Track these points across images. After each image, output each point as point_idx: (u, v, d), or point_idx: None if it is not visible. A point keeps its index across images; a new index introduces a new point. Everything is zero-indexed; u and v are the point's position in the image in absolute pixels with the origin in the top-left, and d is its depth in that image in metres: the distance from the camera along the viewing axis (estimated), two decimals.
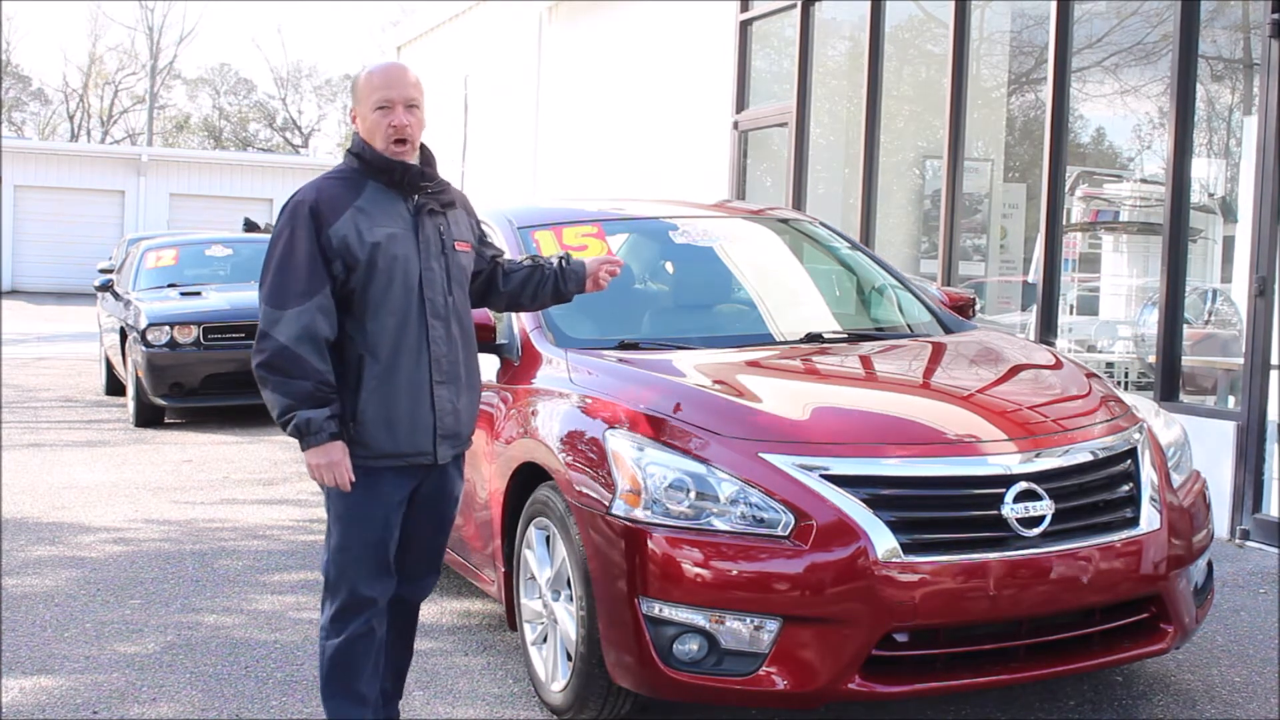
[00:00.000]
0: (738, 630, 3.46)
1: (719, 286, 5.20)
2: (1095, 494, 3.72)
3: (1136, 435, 3.94)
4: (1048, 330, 7.70)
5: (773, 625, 3.43)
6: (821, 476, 3.51)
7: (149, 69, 47.42)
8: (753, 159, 11.19)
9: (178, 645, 4.73)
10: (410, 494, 3.45)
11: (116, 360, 11.26)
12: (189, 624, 4.98)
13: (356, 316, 3.34)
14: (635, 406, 3.81)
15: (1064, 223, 7.91)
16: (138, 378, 10.07)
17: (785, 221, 5.72)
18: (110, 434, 9.84)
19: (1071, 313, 8.42)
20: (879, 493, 3.51)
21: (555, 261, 3.80)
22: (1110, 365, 8.26)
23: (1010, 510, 3.52)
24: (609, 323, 4.64)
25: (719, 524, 3.50)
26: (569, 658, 3.84)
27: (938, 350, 4.62)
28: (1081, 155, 8.91)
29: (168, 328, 9.95)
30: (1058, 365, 4.51)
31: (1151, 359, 7.12)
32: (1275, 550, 6.06)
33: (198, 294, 10.83)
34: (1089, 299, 8.69)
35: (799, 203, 10.14)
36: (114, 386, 11.97)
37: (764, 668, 3.45)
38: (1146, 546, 3.70)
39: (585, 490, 3.71)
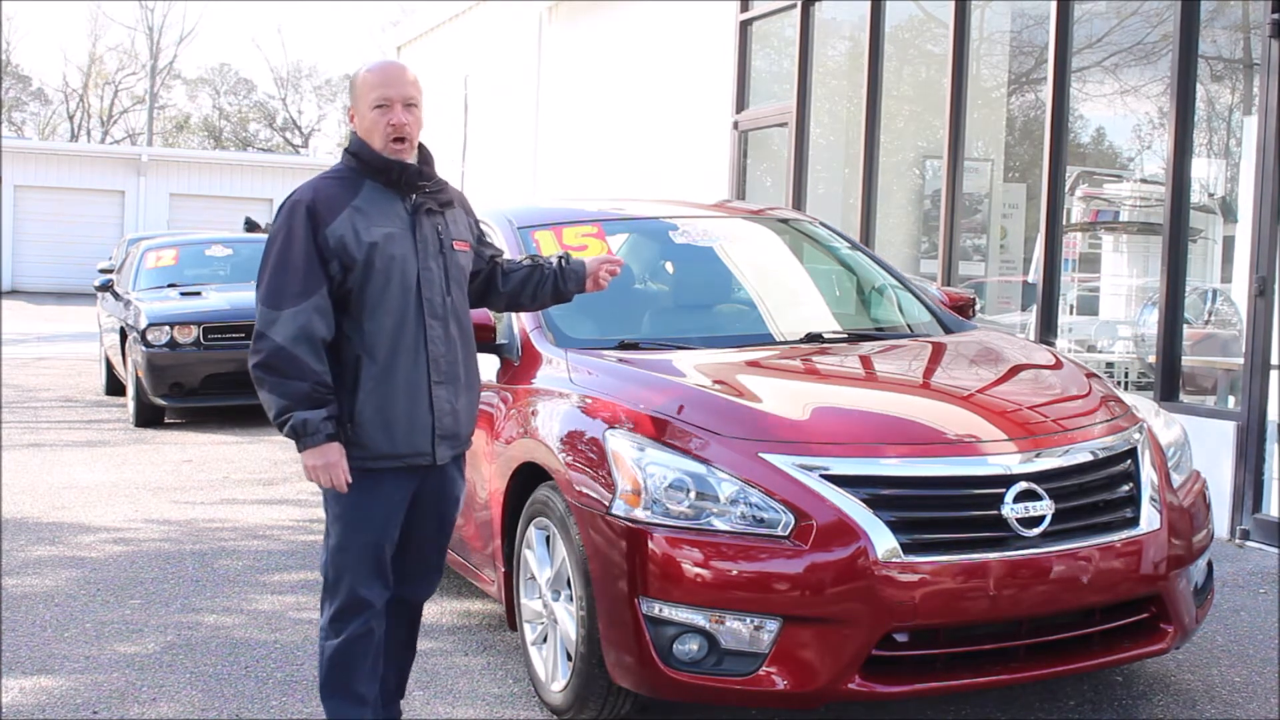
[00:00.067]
0: (738, 630, 3.46)
1: (719, 286, 5.20)
2: (1095, 494, 3.72)
3: (1136, 435, 3.94)
4: (1048, 330, 7.70)
5: (773, 625, 3.43)
6: (821, 476, 3.51)
7: (149, 69, 47.42)
8: (753, 159, 11.19)
9: (178, 645, 4.73)
10: (411, 495, 3.44)
11: (116, 360, 11.26)
12: (189, 624, 4.98)
13: (354, 317, 3.33)
14: (635, 406, 3.81)
15: (1064, 223, 7.91)
16: (138, 378, 10.07)
17: (785, 221, 5.72)
18: (110, 434, 9.84)
19: (1071, 313, 8.42)
20: (879, 493, 3.51)
21: (555, 261, 3.79)
22: (1110, 365, 8.26)
23: (1010, 510, 3.52)
24: (609, 323, 4.64)
25: (719, 524, 3.50)
26: (569, 658, 3.84)
27: (938, 350, 4.62)
28: (1081, 155, 8.92)
29: (168, 328, 9.95)
30: (1058, 365, 4.51)
31: (1151, 359, 7.12)
32: (1275, 550, 6.06)
33: (198, 294, 10.83)
34: (1089, 299, 8.69)
35: (799, 203, 10.14)
36: (114, 386, 11.97)
37: (764, 668, 3.45)
38: (1146, 546, 3.70)
39: (585, 490, 3.71)
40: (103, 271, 13.39)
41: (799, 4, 10.09)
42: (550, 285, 3.76)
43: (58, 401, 11.88)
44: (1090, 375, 4.39)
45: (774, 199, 10.67)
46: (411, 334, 3.35)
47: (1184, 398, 6.88)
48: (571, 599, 3.80)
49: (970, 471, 3.58)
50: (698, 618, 3.47)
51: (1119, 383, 7.98)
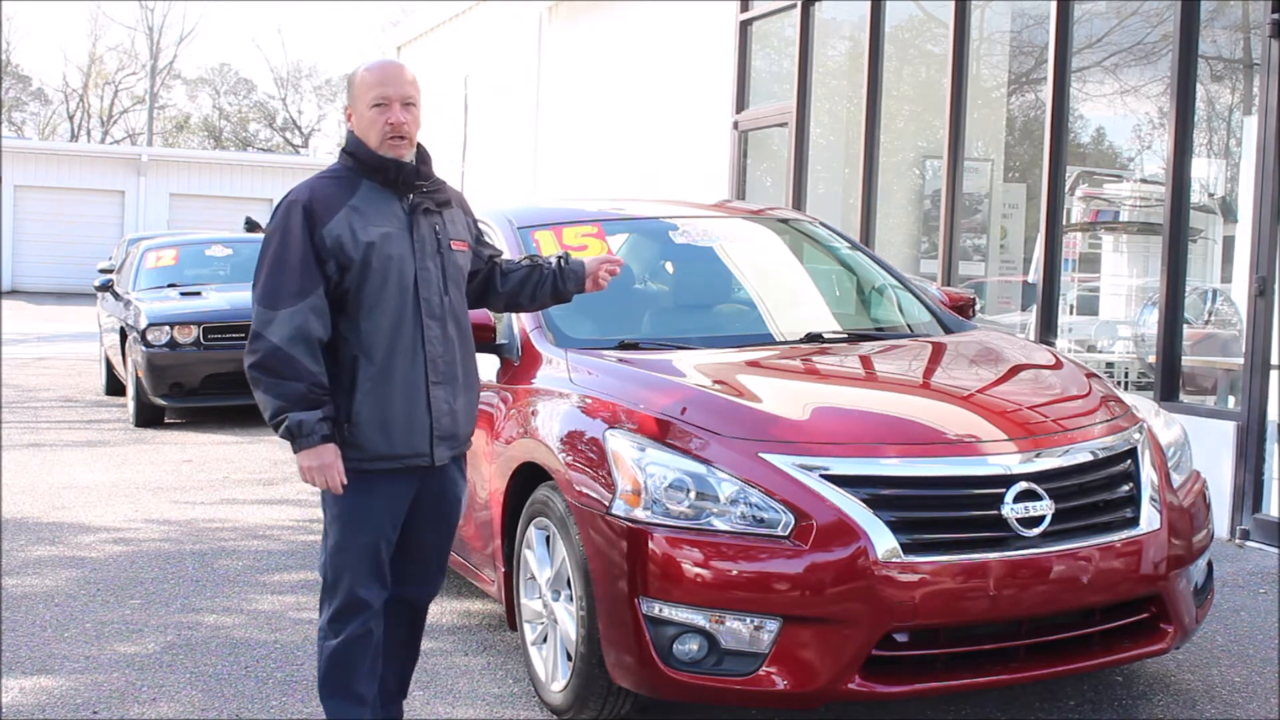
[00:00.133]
0: (738, 630, 3.46)
1: (719, 286, 5.20)
2: (1095, 494, 3.72)
3: (1136, 435, 3.94)
4: (1048, 330, 7.70)
5: (773, 625, 3.43)
6: (821, 476, 3.51)
7: (149, 69, 47.42)
8: (753, 159, 11.19)
9: (178, 645, 4.73)
10: (412, 496, 3.43)
11: (116, 360, 11.26)
12: (189, 624, 4.98)
13: (351, 317, 3.31)
14: (635, 406, 3.81)
15: (1064, 223, 7.91)
16: (138, 378, 10.08)
17: (785, 221, 5.72)
18: (110, 434, 9.84)
19: (1071, 313, 8.42)
20: (879, 493, 3.51)
21: (554, 261, 3.78)
22: (1110, 365, 8.26)
23: (1010, 510, 3.52)
24: (609, 323, 4.64)
25: (719, 524, 3.50)
26: (569, 658, 3.84)
27: (938, 350, 4.62)
28: (1081, 155, 8.92)
29: (168, 328, 9.96)
30: (1058, 365, 4.51)
31: (1151, 359, 7.12)
32: (1275, 550, 6.06)
33: (198, 294, 10.84)
34: (1089, 299, 8.69)
35: (799, 203, 10.14)
36: (114, 386, 11.98)
37: (764, 668, 3.45)
38: (1146, 546, 3.70)
39: (585, 490, 3.71)
40: (103, 271, 13.39)
41: (799, 4, 10.09)
42: (549, 285, 3.75)
43: (58, 401, 11.88)
44: (1090, 375, 4.39)
45: (774, 199, 10.67)
46: (409, 334, 3.34)
47: (1184, 398, 6.88)
48: (571, 599, 3.80)
49: (970, 471, 3.58)
50: (698, 618, 3.47)
51: (1119, 383, 7.98)
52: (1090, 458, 3.75)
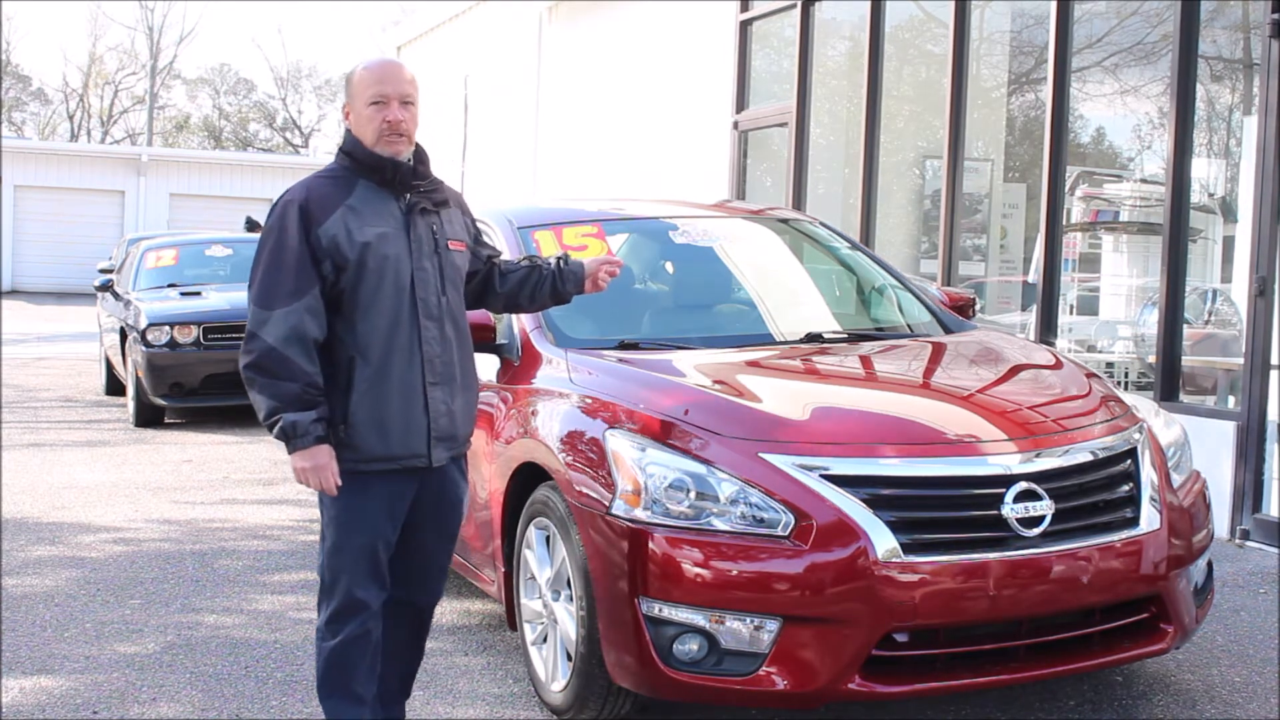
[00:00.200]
0: (738, 630, 3.46)
1: (719, 286, 5.20)
2: (1095, 494, 3.72)
3: (1136, 435, 3.94)
4: (1048, 330, 7.70)
5: (773, 625, 3.43)
6: (821, 476, 3.51)
7: (149, 69, 47.42)
8: (753, 159, 11.19)
9: (178, 645, 4.73)
10: (411, 497, 3.41)
11: (116, 360, 11.26)
12: (189, 624, 4.98)
13: (347, 317, 3.30)
14: (635, 406, 3.81)
15: (1064, 223, 7.91)
16: (138, 378, 10.08)
17: (785, 221, 5.72)
18: (110, 434, 9.84)
19: (1071, 313, 8.42)
20: (879, 493, 3.51)
21: (553, 262, 3.77)
22: (1110, 365, 8.26)
23: (1010, 510, 3.52)
24: (609, 323, 4.64)
25: (719, 524, 3.50)
26: (569, 658, 3.84)
27: (938, 350, 4.62)
28: (1081, 155, 8.92)
29: (168, 328, 9.96)
30: (1058, 365, 4.51)
31: (1151, 359, 7.12)
32: (1275, 550, 6.06)
33: (198, 294, 10.84)
34: (1089, 299, 8.69)
35: (799, 203, 10.14)
36: (114, 386, 11.98)
37: (764, 668, 3.45)
38: (1146, 546, 3.70)
39: (585, 490, 3.71)
40: (103, 271, 13.40)
41: (799, 4, 10.09)
42: (548, 286, 3.74)
43: (58, 401, 11.88)
44: (1090, 375, 4.39)
45: (774, 199, 10.67)
46: (406, 334, 3.32)
47: (1184, 398, 6.88)
48: (571, 599, 3.80)
49: (970, 471, 3.58)
50: (698, 618, 3.47)
51: (1119, 383, 7.98)
52: (1090, 458, 3.75)
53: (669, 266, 5.21)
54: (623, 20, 13.03)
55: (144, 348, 9.89)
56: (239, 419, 10.40)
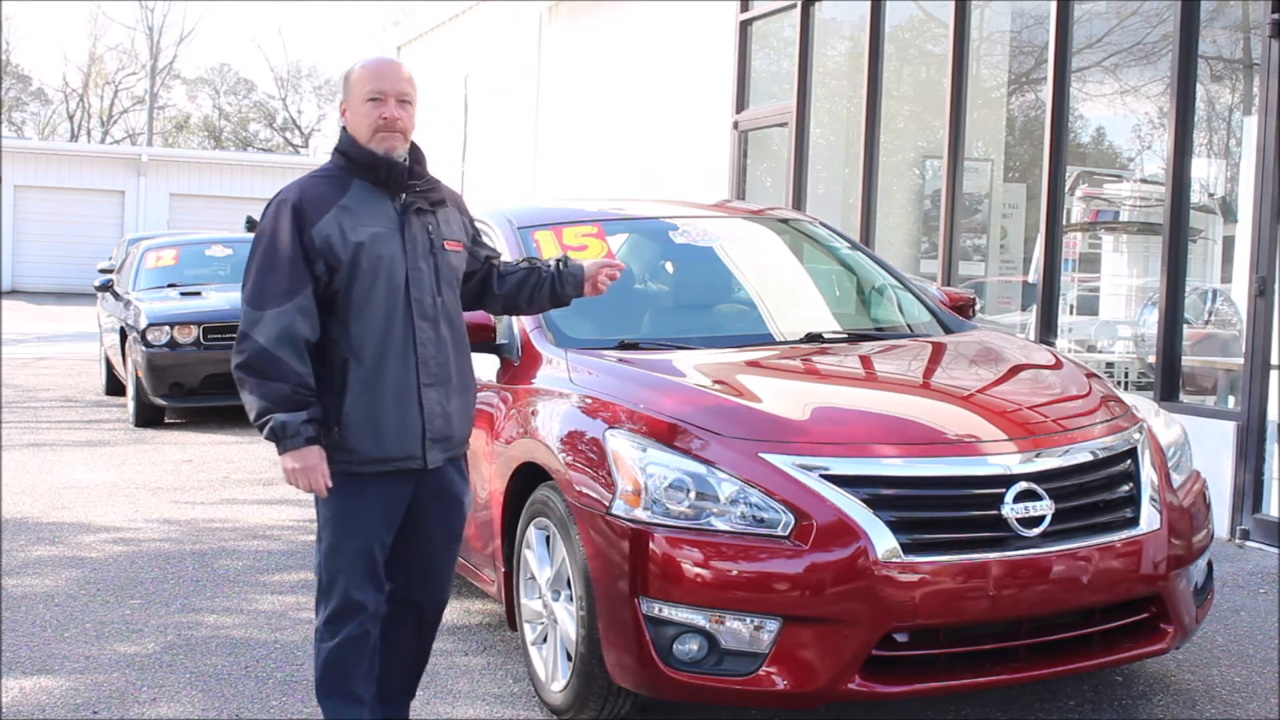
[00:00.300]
0: (738, 630, 3.46)
1: (719, 286, 5.20)
2: (1095, 494, 3.72)
3: (1136, 435, 3.94)
4: (1048, 330, 7.70)
5: (773, 625, 3.43)
6: (821, 476, 3.51)
7: (149, 69, 47.42)
8: (753, 159, 11.19)
9: (178, 645, 4.73)
10: (407, 499, 3.39)
11: (116, 360, 11.27)
12: (189, 624, 4.98)
13: (341, 318, 3.28)
14: (635, 406, 3.81)
15: (1064, 223, 7.91)
16: (138, 378, 10.08)
17: (785, 221, 5.72)
18: (110, 434, 9.84)
19: (1071, 313, 8.42)
20: (879, 493, 3.51)
21: (553, 264, 3.75)
22: (1110, 365, 8.26)
23: (1010, 510, 3.52)
24: (609, 323, 4.64)
25: (719, 524, 3.50)
26: (569, 658, 3.84)
27: (938, 350, 4.62)
28: (1081, 155, 8.92)
29: (168, 328, 9.96)
30: (1058, 365, 4.51)
31: (1151, 359, 7.12)
32: (1275, 550, 6.06)
33: (198, 294, 10.84)
34: (1089, 299, 8.69)
35: (799, 203, 10.14)
36: (114, 386, 11.98)
37: (764, 668, 3.45)
38: (1146, 546, 3.70)
39: (585, 490, 3.71)
40: (103, 271, 13.40)
41: (799, 4, 10.09)
42: (547, 289, 3.73)
43: (58, 401, 11.88)
44: (1090, 375, 4.39)
45: (774, 199, 10.67)
46: (400, 335, 3.30)
47: (1184, 398, 6.88)
48: (571, 599, 3.80)
49: (970, 471, 3.58)
50: (698, 618, 3.47)
51: (1119, 383, 7.98)
52: (1090, 458, 3.75)
53: (669, 266, 5.21)
54: (623, 20, 13.04)
55: (144, 348, 9.89)
56: (239, 419, 10.39)
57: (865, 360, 4.50)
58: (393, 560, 3.46)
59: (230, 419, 10.47)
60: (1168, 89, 6.93)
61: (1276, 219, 6.16)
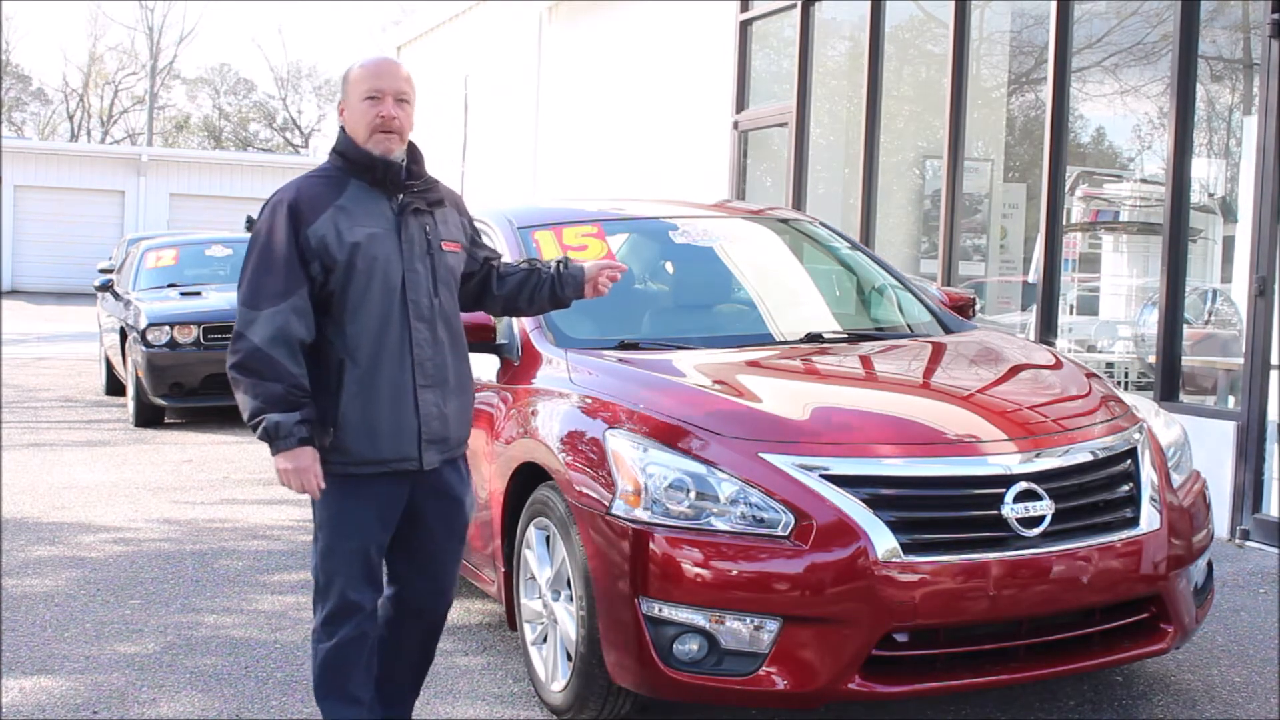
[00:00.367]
0: (738, 630, 3.46)
1: (719, 286, 5.20)
2: (1095, 494, 3.72)
3: (1136, 435, 3.94)
4: (1048, 330, 7.70)
5: (773, 625, 3.43)
6: (821, 476, 3.51)
7: (149, 69, 47.41)
8: (753, 159, 11.19)
9: (178, 645, 4.73)
10: (404, 500, 3.38)
11: (116, 360, 11.27)
12: (189, 624, 4.98)
13: (336, 319, 3.27)
14: (635, 406, 3.81)
15: (1064, 223, 7.91)
16: (138, 378, 10.08)
17: (785, 221, 5.72)
18: (110, 434, 9.84)
19: (1071, 313, 8.42)
20: (879, 493, 3.51)
21: (553, 266, 3.74)
22: (1110, 365, 8.26)
23: (1010, 510, 3.52)
24: (609, 323, 4.64)
25: (719, 524, 3.50)
26: (569, 658, 3.84)
27: (938, 350, 4.62)
28: (1081, 155, 8.92)
29: (168, 328, 9.96)
30: (1058, 365, 4.51)
31: (1151, 359, 7.12)
32: (1275, 550, 6.06)
33: (198, 294, 10.85)
34: (1089, 299, 8.69)
35: (799, 203, 10.14)
36: (114, 386, 11.98)
37: (764, 668, 3.45)
38: (1146, 546, 3.70)
39: (585, 490, 3.71)
40: (103, 271, 13.40)
41: (799, 4, 10.09)
42: (547, 290, 3.71)
43: (58, 401, 11.88)
44: (1090, 375, 4.39)
45: (774, 199, 10.67)
46: (396, 336, 3.29)
47: (1184, 398, 6.88)
48: (571, 599, 3.80)
49: (970, 471, 3.58)
50: (698, 618, 3.47)
51: (1119, 383, 7.98)
52: (1090, 458, 3.75)
53: (669, 266, 5.21)
54: (623, 20, 13.03)
55: (144, 348, 9.89)
56: (239, 419, 10.33)
57: (865, 360, 4.50)
58: (396, 561, 3.46)
59: (230, 419, 10.47)
60: (1168, 89, 6.93)
61: (1276, 219, 6.16)
